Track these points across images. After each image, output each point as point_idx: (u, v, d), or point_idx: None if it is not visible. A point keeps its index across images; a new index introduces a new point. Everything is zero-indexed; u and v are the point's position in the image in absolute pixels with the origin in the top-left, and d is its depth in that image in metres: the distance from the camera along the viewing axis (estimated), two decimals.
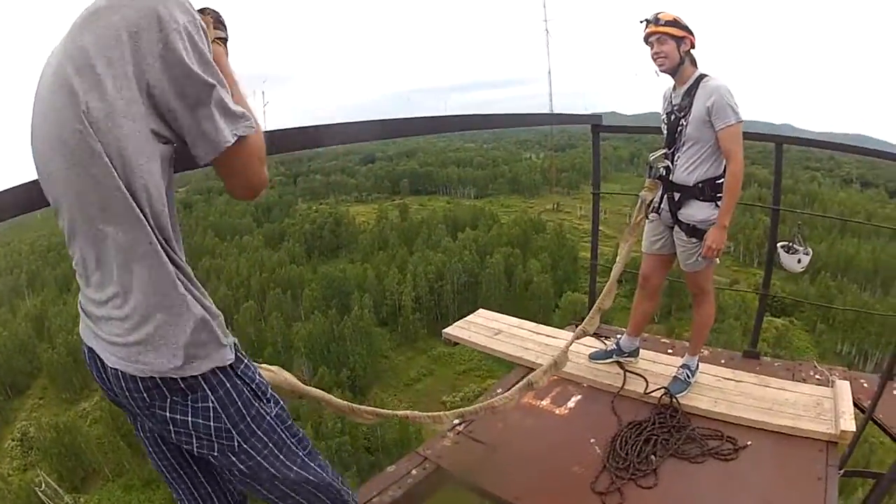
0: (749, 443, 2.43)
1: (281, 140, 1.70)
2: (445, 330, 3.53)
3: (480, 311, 3.81)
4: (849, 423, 2.47)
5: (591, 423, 2.62)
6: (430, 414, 2.04)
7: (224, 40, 1.25)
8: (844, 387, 2.79)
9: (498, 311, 3.94)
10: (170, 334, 1.00)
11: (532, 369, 2.63)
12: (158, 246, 0.98)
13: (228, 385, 1.09)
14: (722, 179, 2.48)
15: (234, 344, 1.12)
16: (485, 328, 3.51)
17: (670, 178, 2.58)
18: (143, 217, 0.97)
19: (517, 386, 2.25)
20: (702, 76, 2.47)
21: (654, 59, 2.47)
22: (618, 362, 3.01)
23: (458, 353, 37.88)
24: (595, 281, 3.71)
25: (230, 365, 1.09)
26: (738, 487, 2.21)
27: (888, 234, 53.13)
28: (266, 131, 1.33)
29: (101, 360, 1.07)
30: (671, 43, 2.41)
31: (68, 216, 1.03)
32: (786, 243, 3.33)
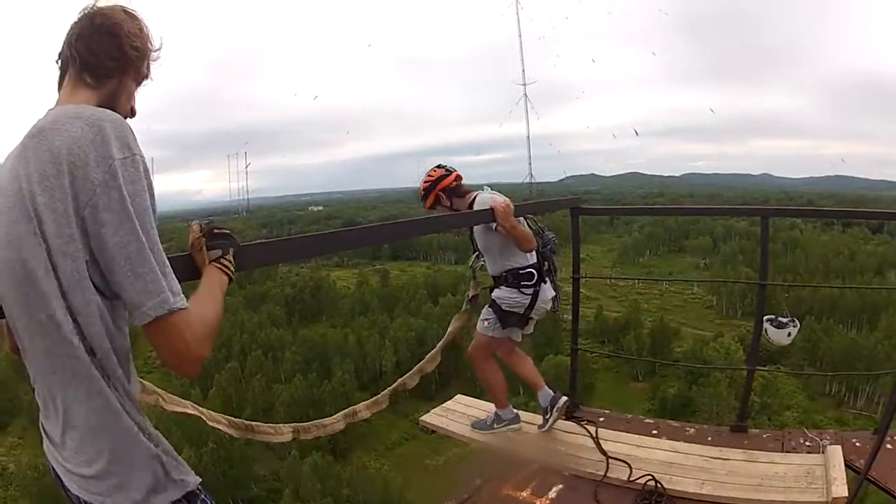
0: None
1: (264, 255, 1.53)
2: (423, 418, 3.45)
3: (458, 396, 3.65)
4: (840, 489, 2.45)
5: None
6: (270, 426, 2.09)
7: (224, 258, 1.15)
8: (835, 451, 2.78)
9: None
10: (123, 471, 0.97)
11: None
12: (102, 382, 0.95)
13: None
14: (526, 270, 2.88)
15: (188, 477, 1.05)
16: (463, 416, 3.35)
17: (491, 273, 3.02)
18: (85, 353, 0.93)
19: (342, 412, 2.36)
20: (478, 192, 2.97)
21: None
22: (600, 449, 2.89)
23: None
24: (577, 357, 3.66)
25: (188, 493, 1.04)
26: None
27: (872, 271, 53.90)
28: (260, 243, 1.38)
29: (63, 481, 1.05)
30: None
31: (21, 335, 0.99)
32: (772, 317, 3.36)
